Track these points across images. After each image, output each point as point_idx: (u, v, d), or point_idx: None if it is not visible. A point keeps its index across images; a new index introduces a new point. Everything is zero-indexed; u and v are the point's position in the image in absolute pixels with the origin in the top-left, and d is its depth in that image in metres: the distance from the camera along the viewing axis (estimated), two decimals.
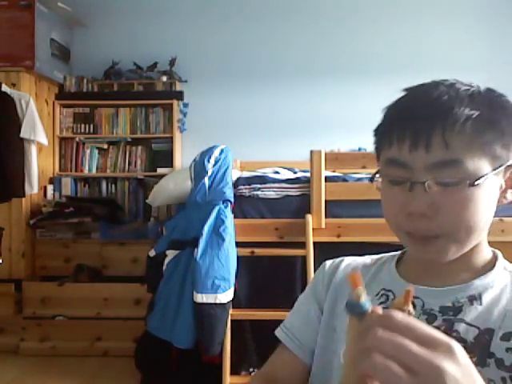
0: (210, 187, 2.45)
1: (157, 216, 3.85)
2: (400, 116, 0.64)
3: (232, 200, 2.47)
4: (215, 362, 2.30)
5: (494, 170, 0.61)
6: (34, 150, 3.34)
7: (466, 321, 0.63)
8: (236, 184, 2.58)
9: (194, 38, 4.14)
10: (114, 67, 4.02)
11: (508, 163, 0.63)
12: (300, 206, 2.52)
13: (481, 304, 0.63)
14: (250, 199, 2.55)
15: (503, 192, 0.65)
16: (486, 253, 0.69)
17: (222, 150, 2.58)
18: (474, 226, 0.62)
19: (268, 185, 2.57)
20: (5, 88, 3.27)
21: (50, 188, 3.86)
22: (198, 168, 2.52)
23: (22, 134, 3.24)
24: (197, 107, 4.08)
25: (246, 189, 2.57)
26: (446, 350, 0.41)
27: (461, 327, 0.63)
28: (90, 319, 3.26)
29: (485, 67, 3.66)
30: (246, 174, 2.81)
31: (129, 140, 4.01)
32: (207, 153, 2.55)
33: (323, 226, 2.45)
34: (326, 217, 2.46)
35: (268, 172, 2.90)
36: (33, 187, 3.32)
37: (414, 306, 0.65)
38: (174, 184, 2.78)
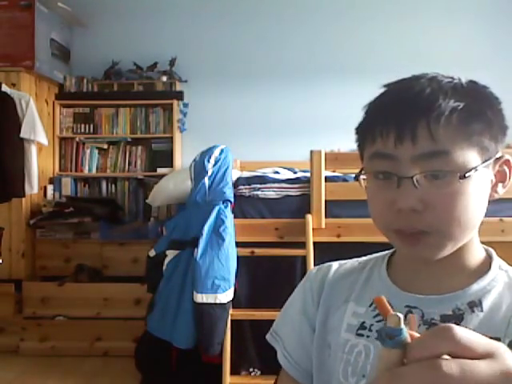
0: (210, 187, 2.45)
1: (157, 216, 3.85)
2: (383, 112, 0.62)
3: (232, 200, 2.47)
4: (215, 361, 2.30)
5: (484, 162, 0.59)
6: (34, 150, 3.34)
7: (470, 329, 0.62)
8: (236, 184, 2.58)
9: (193, 38, 4.14)
10: (114, 67, 4.03)
11: (497, 156, 0.62)
12: (300, 205, 2.52)
13: (482, 310, 0.62)
14: (250, 199, 2.55)
15: (494, 186, 0.63)
16: (478, 252, 0.67)
17: (222, 150, 2.58)
18: (466, 220, 0.59)
19: (268, 185, 2.57)
20: (5, 88, 3.27)
21: (50, 188, 3.86)
22: (198, 168, 2.52)
23: (22, 134, 3.24)
24: (197, 107, 4.08)
25: (245, 189, 2.57)
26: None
27: None
28: (89, 319, 3.26)
29: (487, 65, 3.64)
30: (246, 173, 2.81)
31: (129, 140, 4.01)
32: (207, 153, 2.55)
33: (323, 226, 2.45)
34: (325, 217, 2.46)
35: (268, 172, 2.91)
36: (33, 187, 3.32)
37: None
38: (174, 184, 2.78)
